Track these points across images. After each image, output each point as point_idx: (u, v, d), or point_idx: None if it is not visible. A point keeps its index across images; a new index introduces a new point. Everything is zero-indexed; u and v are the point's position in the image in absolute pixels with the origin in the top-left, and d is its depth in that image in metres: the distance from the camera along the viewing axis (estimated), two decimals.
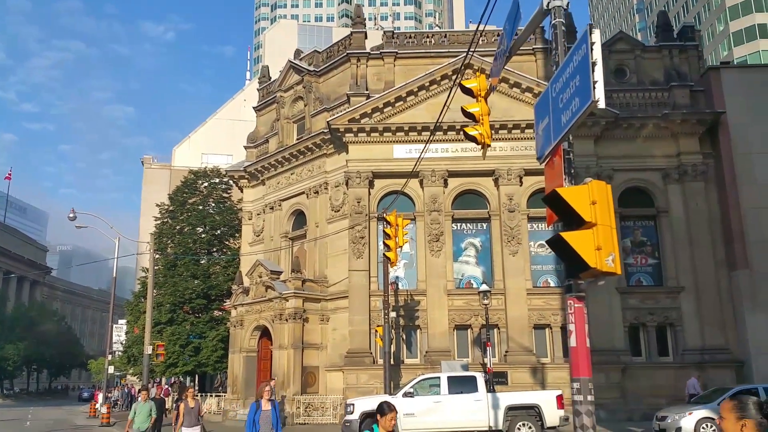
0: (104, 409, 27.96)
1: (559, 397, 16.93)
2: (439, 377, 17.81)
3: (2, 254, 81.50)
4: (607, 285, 22.59)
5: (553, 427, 16.79)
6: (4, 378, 66.72)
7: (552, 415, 16.62)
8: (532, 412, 16.76)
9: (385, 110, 25.92)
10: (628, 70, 26.93)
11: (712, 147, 25.76)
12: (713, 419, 15.47)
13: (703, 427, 16.19)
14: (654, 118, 25.34)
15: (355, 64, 27.63)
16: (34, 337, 63.61)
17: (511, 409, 16.74)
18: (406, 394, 17.20)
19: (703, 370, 22.82)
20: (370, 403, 17.48)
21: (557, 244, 5.33)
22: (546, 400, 16.93)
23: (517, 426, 16.63)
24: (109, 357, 42.02)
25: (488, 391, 19.99)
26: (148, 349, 27.56)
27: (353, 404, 17.56)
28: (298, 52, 32.44)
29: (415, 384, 17.70)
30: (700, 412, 16.38)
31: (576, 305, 5.74)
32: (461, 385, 17.38)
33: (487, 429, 16.74)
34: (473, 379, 17.52)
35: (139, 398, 14.87)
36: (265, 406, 9.59)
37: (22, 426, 28.50)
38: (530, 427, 16.58)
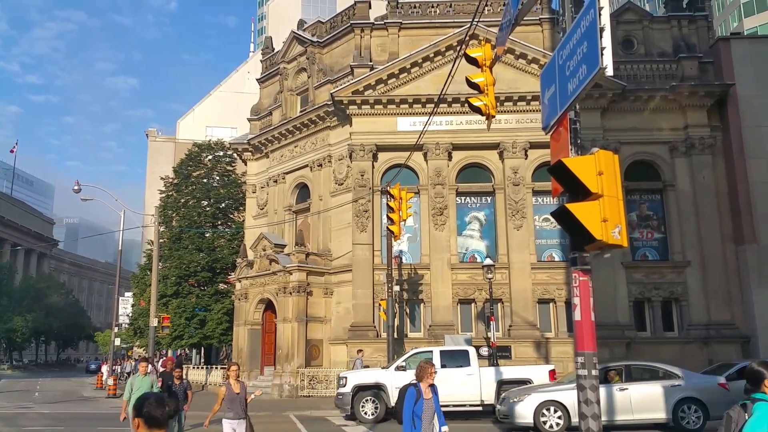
0: (111, 381, 28.38)
1: (552, 372, 16.97)
2: (431, 351, 17.74)
3: (10, 227, 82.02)
4: (612, 259, 22.49)
5: None
6: (13, 350, 67.75)
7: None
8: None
9: (389, 82, 25.55)
10: (635, 41, 26.38)
11: (721, 120, 25.35)
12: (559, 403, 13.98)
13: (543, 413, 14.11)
14: (662, 90, 24.89)
15: (359, 34, 27.15)
16: (42, 309, 64.33)
17: (503, 383, 16.70)
18: (398, 368, 17.20)
19: (709, 346, 22.83)
20: (362, 377, 17.56)
21: (562, 216, 5.19)
22: (538, 375, 16.93)
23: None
24: (116, 329, 42.51)
25: (491, 365, 20.14)
26: (154, 322, 27.82)
27: (345, 377, 17.55)
28: (301, 23, 31.91)
29: (407, 358, 17.69)
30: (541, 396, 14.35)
31: (581, 278, 5.63)
32: (454, 359, 17.37)
33: (478, 403, 16.78)
34: (466, 353, 17.48)
35: (137, 371, 11.39)
36: (427, 393, 7.03)
37: (31, 397, 28.99)
38: None
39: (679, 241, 24.53)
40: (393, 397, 16.76)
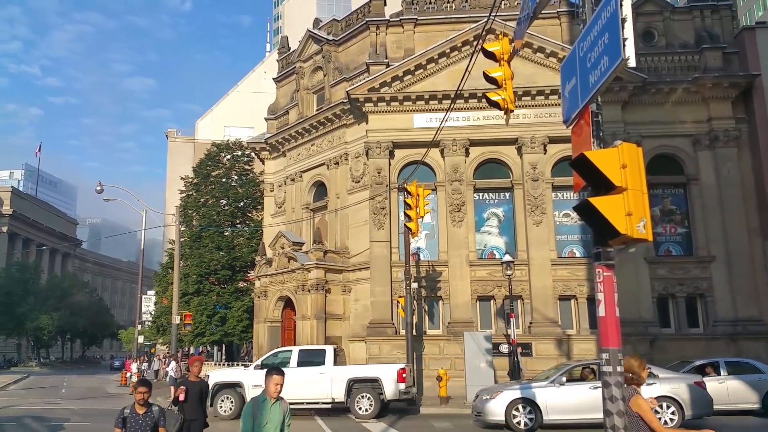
0: (134, 378, 28.82)
1: (401, 371, 17.17)
2: (291, 350, 18.45)
3: (35, 228, 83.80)
4: (634, 255, 22.17)
5: (395, 400, 17.22)
6: (40, 347, 69.22)
7: (392, 388, 17.01)
8: (374, 384, 17.10)
9: (404, 79, 25.45)
10: (656, 32, 25.91)
11: (746, 111, 24.80)
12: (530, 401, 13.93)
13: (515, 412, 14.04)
14: (684, 82, 24.42)
15: (375, 32, 27.08)
16: (67, 308, 65.66)
17: (353, 381, 17.08)
18: (257, 366, 17.77)
19: (735, 342, 22.38)
20: (222, 375, 18.41)
21: (585, 211, 5.09)
22: (386, 374, 17.24)
23: (357, 398, 16.96)
24: (139, 327, 43.17)
25: (511, 362, 20.05)
26: (176, 319, 28.19)
27: (208, 375, 18.11)
28: (317, 22, 31.96)
29: (269, 356, 18.46)
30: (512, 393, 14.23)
31: (605, 274, 5.51)
32: (310, 357, 17.91)
33: (329, 400, 17.20)
34: (322, 352, 18.05)
35: (260, 394, 6.12)
36: None
37: (58, 393, 29.58)
38: (370, 399, 16.97)
39: (703, 236, 24.06)
40: (249, 395, 17.20)
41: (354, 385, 17.11)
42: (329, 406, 17.26)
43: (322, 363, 17.53)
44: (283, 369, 17.84)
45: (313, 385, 17.12)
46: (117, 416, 6.83)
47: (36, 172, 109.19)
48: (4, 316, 58.75)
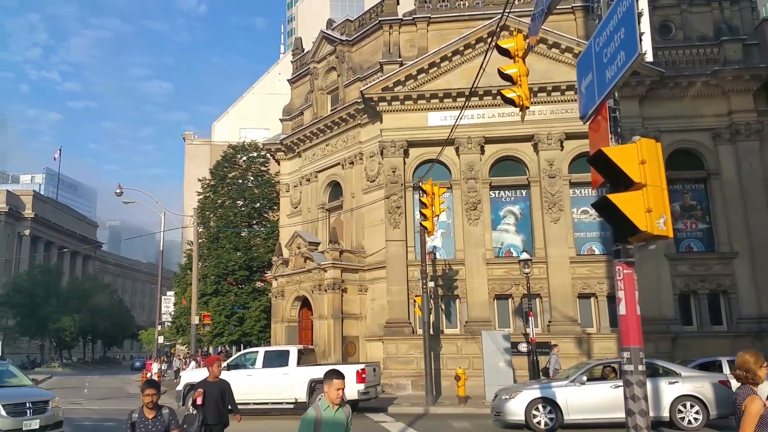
0: (156, 378, 29.13)
1: (360, 372, 17.09)
2: (257, 351, 18.84)
3: (57, 230, 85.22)
4: (655, 252, 21.85)
5: (355, 400, 17.07)
6: (63, 348, 70.33)
7: (351, 389, 16.85)
8: None
9: (418, 77, 25.38)
10: (673, 26, 25.53)
11: None
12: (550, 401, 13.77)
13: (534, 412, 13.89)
14: (702, 76, 24.01)
15: (388, 31, 27.05)
16: (89, 309, 66.57)
17: (314, 382, 17.20)
18: (228, 367, 18.02)
19: (761, 340, 21.93)
20: (194, 375, 18.59)
21: (604, 207, 5.03)
22: (346, 374, 16.91)
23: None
24: (159, 327, 43.65)
25: (530, 361, 19.90)
26: (195, 320, 28.47)
27: (181, 376, 18.39)
28: (330, 22, 32.01)
29: (237, 357, 18.91)
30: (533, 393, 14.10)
31: (625, 271, 5.45)
32: (275, 359, 18.16)
33: (293, 401, 17.36)
34: (286, 353, 18.29)
35: (320, 400, 5.52)
36: None
37: (81, 393, 30.05)
38: None
39: (725, 232, 23.66)
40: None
41: (316, 386, 17.18)
42: (292, 406, 17.45)
43: (285, 364, 17.81)
44: (249, 370, 18.35)
45: (274, 386, 17.45)
46: (125, 421, 6.17)
47: (57, 175, 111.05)
48: (27, 318, 59.86)
